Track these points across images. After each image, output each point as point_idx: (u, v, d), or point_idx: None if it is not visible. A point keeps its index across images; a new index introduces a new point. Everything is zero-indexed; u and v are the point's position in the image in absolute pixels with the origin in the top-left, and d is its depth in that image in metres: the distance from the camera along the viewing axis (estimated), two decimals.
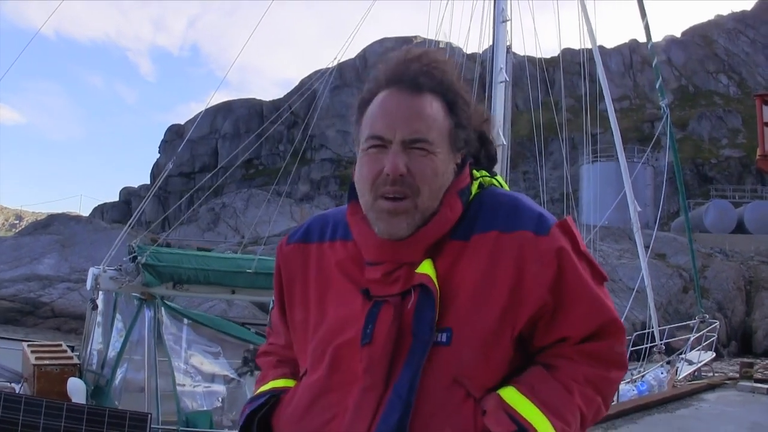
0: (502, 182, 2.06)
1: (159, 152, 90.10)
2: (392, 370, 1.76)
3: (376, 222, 1.86)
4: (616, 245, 39.61)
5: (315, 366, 1.92)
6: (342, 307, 1.91)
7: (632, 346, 18.37)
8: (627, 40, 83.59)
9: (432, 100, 1.85)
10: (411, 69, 1.88)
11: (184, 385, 9.71)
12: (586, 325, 1.81)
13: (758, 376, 17.15)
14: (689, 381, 15.86)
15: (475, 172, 1.99)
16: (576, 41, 17.21)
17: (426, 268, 1.80)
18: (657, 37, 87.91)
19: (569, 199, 18.46)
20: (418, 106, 1.84)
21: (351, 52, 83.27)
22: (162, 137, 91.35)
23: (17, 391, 9.39)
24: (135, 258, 9.41)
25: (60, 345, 11.24)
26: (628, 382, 14.05)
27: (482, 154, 2.07)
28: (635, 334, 19.25)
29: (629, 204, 16.25)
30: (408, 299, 1.79)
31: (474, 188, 1.94)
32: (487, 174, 2.02)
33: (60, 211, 71.81)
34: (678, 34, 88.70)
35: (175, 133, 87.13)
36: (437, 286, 1.77)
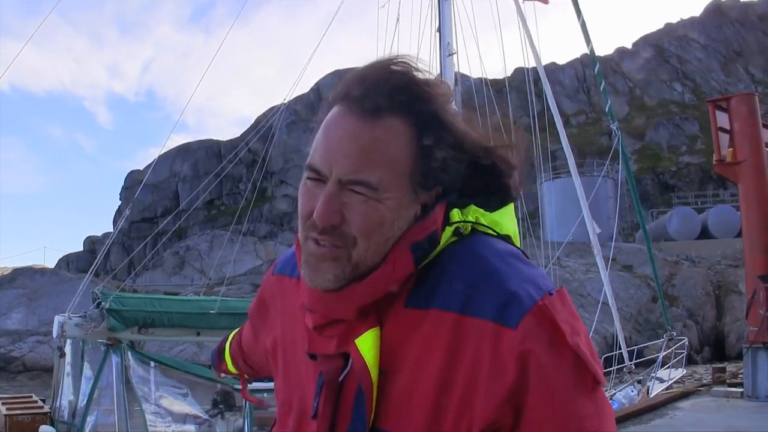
0: (504, 221, 1.57)
1: (120, 199, 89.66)
2: None
3: (303, 264, 1.51)
4: (582, 260, 39.80)
5: (282, 420, 1.71)
6: (302, 362, 1.63)
7: (604, 365, 18.49)
8: (579, 55, 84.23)
9: (393, 126, 1.42)
10: (370, 82, 1.45)
11: (155, 426, 9.73)
12: None
13: (731, 380, 17.36)
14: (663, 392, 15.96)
15: (455, 212, 1.51)
16: (524, 60, 17.38)
17: (366, 342, 1.44)
18: (609, 48, 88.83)
19: (525, 219, 18.63)
20: (367, 133, 1.42)
21: (305, 87, 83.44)
22: (122, 184, 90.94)
23: None
24: (99, 304, 9.43)
25: (30, 396, 11.28)
26: None
27: (485, 186, 1.56)
28: (604, 356, 19.41)
29: (587, 224, 16.43)
30: (352, 375, 1.46)
31: (444, 236, 1.47)
32: (479, 212, 1.53)
33: (25, 265, 71.05)
34: (629, 45, 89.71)
35: (134, 179, 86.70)
36: (373, 377, 1.41)
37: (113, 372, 9.40)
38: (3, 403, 10.12)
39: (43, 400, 11.16)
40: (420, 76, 1.47)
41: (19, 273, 58.56)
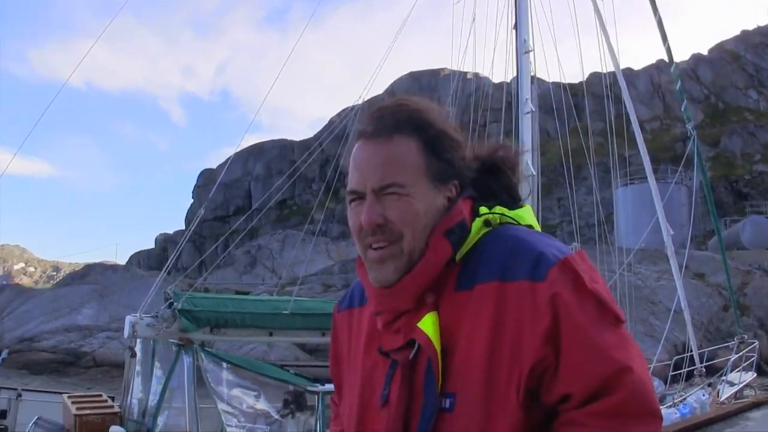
0: (525, 215, 1.93)
1: (192, 197, 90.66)
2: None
3: (369, 272, 1.85)
4: (654, 267, 39.16)
5: (348, 428, 1.95)
6: (367, 367, 1.92)
7: (673, 370, 18.16)
8: (654, 60, 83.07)
9: (401, 140, 1.83)
10: (378, 117, 1.88)
11: (230, 426, 9.70)
12: (588, 379, 1.59)
13: None
14: (732, 402, 15.69)
15: (483, 208, 1.88)
16: (601, 65, 17.14)
17: (427, 324, 1.74)
18: (684, 55, 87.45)
19: (601, 225, 18.34)
20: (384, 151, 1.82)
21: (379, 88, 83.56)
22: (195, 182, 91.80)
23: None
24: (171, 304, 9.42)
25: (100, 395, 11.29)
26: (670, 406, 13.87)
27: (498, 188, 1.97)
28: (675, 357, 18.99)
29: (662, 228, 16.14)
30: (421, 355, 1.75)
31: (476, 226, 1.83)
32: (504, 210, 1.89)
33: (97, 261, 72.42)
34: (705, 52, 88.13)
35: (207, 177, 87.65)
36: (437, 347, 1.71)
37: (185, 372, 9.37)
38: (73, 402, 10.13)
39: (112, 398, 11.18)
40: (421, 105, 1.90)
41: (91, 269, 59.72)
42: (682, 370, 17.96)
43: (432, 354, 1.70)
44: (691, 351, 17.01)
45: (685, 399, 14.78)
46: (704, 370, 16.95)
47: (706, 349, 19.46)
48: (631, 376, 1.59)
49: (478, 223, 1.83)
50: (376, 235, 1.79)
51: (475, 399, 1.64)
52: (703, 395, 15.20)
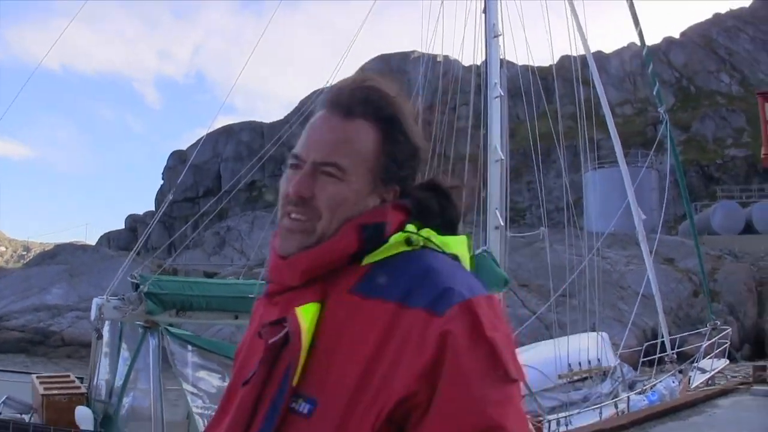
0: (454, 244, 1.79)
1: (162, 179, 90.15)
2: (254, 420, 1.63)
3: (279, 239, 1.78)
4: (624, 251, 39.40)
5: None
6: (252, 348, 1.82)
7: (643, 356, 18.29)
8: (626, 44, 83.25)
9: (362, 126, 1.75)
10: (349, 93, 1.78)
11: (196, 407, 9.72)
12: (453, 427, 1.45)
13: None
14: (702, 389, 15.78)
15: (410, 226, 1.74)
16: (570, 48, 17.20)
17: (306, 312, 1.63)
18: (656, 38, 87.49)
19: (570, 209, 18.43)
20: (340, 129, 1.75)
21: (350, 70, 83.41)
22: (165, 164, 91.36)
23: (27, 422, 9.42)
24: (138, 287, 9.43)
25: (68, 376, 11.30)
26: (639, 392, 14.00)
27: (436, 210, 1.83)
28: (646, 343, 19.10)
29: (633, 212, 16.25)
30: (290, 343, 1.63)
31: (395, 239, 1.70)
32: (432, 234, 1.75)
33: (67, 241, 72.08)
34: (677, 35, 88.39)
35: (177, 158, 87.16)
36: (304, 339, 1.59)
37: (150, 354, 9.41)
38: (41, 383, 10.15)
39: (81, 379, 11.19)
40: (391, 92, 1.80)
41: (61, 249, 59.58)
42: (652, 357, 18.03)
43: (296, 343, 1.59)
44: (662, 337, 17.11)
45: (654, 386, 14.86)
46: (675, 356, 17.03)
47: (677, 336, 19.53)
48: None
49: (399, 237, 1.71)
50: (297, 207, 1.72)
51: (334, 414, 1.52)
52: (673, 382, 15.27)
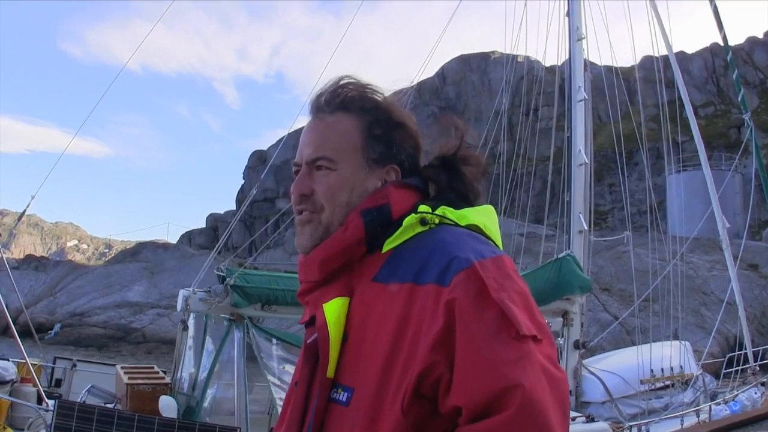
0: (471, 215, 1.84)
1: (243, 178, 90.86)
2: (306, 416, 1.73)
3: (296, 238, 1.90)
4: (707, 257, 38.63)
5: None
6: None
7: (725, 367, 17.95)
8: (708, 44, 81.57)
9: (342, 118, 1.89)
10: (326, 95, 1.92)
11: (280, 399, 9.78)
12: (476, 394, 1.45)
13: None
14: None
15: (424, 206, 1.81)
16: (653, 49, 16.89)
17: (332, 307, 1.71)
18: (739, 38, 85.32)
19: (653, 212, 18.15)
20: (323, 126, 1.89)
21: (430, 71, 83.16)
22: (246, 163, 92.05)
23: (112, 408, 9.58)
24: (224, 279, 9.52)
25: (152, 367, 11.50)
26: (720, 403, 13.72)
27: (450, 185, 1.91)
28: (729, 354, 18.72)
29: (717, 219, 15.92)
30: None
31: (408, 221, 1.77)
32: (447, 210, 1.82)
33: (148, 240, 73.17)
34: (760, 35, 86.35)
35: (258, 158, 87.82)
36: (332, 333, 1.67)
37: (235, 347, 9.49)
38: (125, 373, 10.32)
39: (164, 371, 11.36)
40: (365, 84, 1.93)
41: (142, 247, 60.45)
42: (734, 369, 17.65)
43: (323, 339, 1.68)
44: (745, 348, 16.72)
45: (736, 396, 14.56)
46: (758, 368, 16.65)
47: (761, 348, 19.05)
48: (520, 394, 1.42)
49: (412, 219, 1.78)
50: (302, 204, 1.86)
51: (367, 398, 1.59)
52: (755, 393, 14.95)
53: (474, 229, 1.81)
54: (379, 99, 1.93)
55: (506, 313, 1.50)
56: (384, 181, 1.88)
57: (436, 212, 1.80)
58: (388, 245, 1.78)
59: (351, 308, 1.72)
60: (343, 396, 1.63)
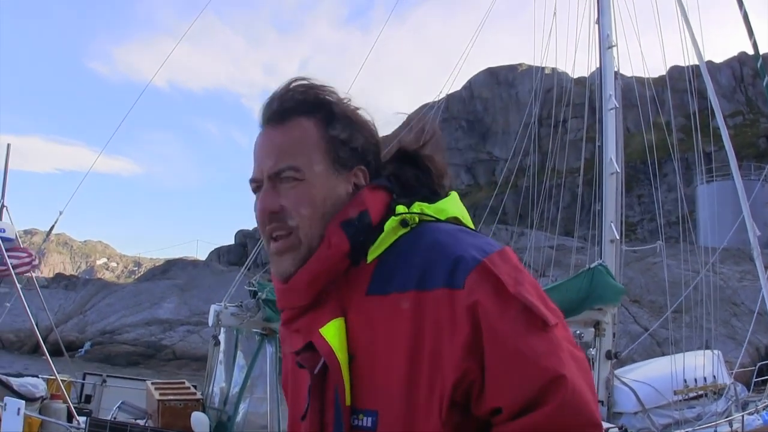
0: (448, 207, 1.77)
1: None
2: None
3: (271, 265, 1.75)
4: (737, 267, 38.30)
5: None
6: (297, 378, 1.81)
7: (756, 376, 17.78)
8: (736, 53, 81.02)
9: (299, 122, 1.73)
10: (276, 102, 1.77)
11: None
12: (516, 391, 1.41)
13: None
14: None
15: (400, 207, 1.70)
16: (683, 58, 16.76)
17: (330, 331, 1.59)
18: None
19: (686, 223, 18.00)
20: (280, 135, 1.73)
21: (458, 84, 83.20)
22: None
23: (144, 426, 9.60)
24: (255, 294, 9.52)
25: (183, 382, 11.51)
26: (752, 412, 13.59)
27: (416, 180, 1.82)
28: (760, 363, 18.54)
29: (748, 228, 15.80)
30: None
31: (389, 226, 1.66)
32: (423, 206, 1.72)
33: (177, 257, 73.44)
34: None
35: None
36: (340, 358, 1.56)
37: (267, 361, 9.49)
38: (156, 389, 10.34)
39: (195, 386, 11.37)
40: (317, 83, 1.78)
41: (172, 264, 60.75)
42: (766, 377, 17.50)
43: (334, 366, 1.56)
44: None
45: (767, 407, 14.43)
46: None
47: None
48: (563, 384, 1.41)
49: (392, 222, 1.66)
50: (273, 223, 1.69)
51: (397, 418, 1.50)
52: None
53: (454, 221, 1.74)
54: (333, 99, 1.79)
55: (529, 306, 1.46)
56: (354, 185, 1.75)
57: (413, 210, 1.69)
58: (373, 254, 1.66)
59: (350, 327, 1.61)
60: (366, 421, 1.54)
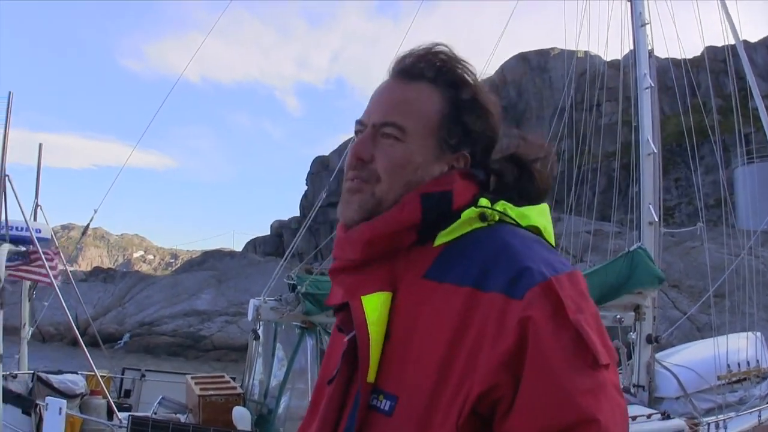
0: (532, 215, 1.67)
1: (306, 184, 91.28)
2: (341, 418, 1.57)
3: (339, 207, 1.71)
4: None
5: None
6: (334, 341, 1.80)
7: None
8: None
9: (425, 88, 1.68)
10: (413, 59, 1.71)
11: None
12: (544, 422, 1.32)
13: None
14: None
15: (484, 200, 1.63)
16: (719, 38, 16.54)
17: (372, 303, 1.54)
18: None
19: (727, 205, 17.81)
20: (401, 91, 1.69)
21: (490, 70, 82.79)
22: (308, 169, 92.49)
23: (186, 422, 9.64)
24: (294, 287, 9.52)
25: (222, 376, 11.54)
26: None
27: (514, 183, 1.74)
28: None
29: None
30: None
31: (466, 215, 1.58)
32: (507, 206, 1.64)
33: (213, 248, 73.86)
34: None
35: (320, 164, 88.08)
36: (373, 333, 1.50)
37: (307, 354, 9.49)
38: (196, 383, 10.37)
39: (233, 378, 11.40)
40: (459, 58, 1.71)
41: (208, 256, 61.15)
42: None
43: (363, 340, 1.50)
44: None
45: None
46: None
47: None
48: (595, 429, 1.31)
49: (471, 212, 1.59)
50: (356, 170, 1.67)
51: (415, 411, 1.43)
52: None
53: (534, 230, 1.65)
54: (470, 79, 1.72)
55: (584, 338, 1.36)
56: (451, 167, 1.69)
57: (496, 207, 1.61)
58: (442, 239, 1.59)
59: (395, 306, 1.54)
60: (385, 404, 1.47)
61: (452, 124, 1.68)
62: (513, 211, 1.63)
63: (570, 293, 1.42)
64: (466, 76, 1.71)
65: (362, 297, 1.54)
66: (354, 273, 1.63)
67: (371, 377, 1.49)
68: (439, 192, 1.62)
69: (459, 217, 1.58)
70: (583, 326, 1.37)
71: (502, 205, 1.62)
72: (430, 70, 1.69)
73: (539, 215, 1.69)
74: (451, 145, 1.68)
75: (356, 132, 1.73)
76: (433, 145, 1.66)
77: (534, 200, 1.73)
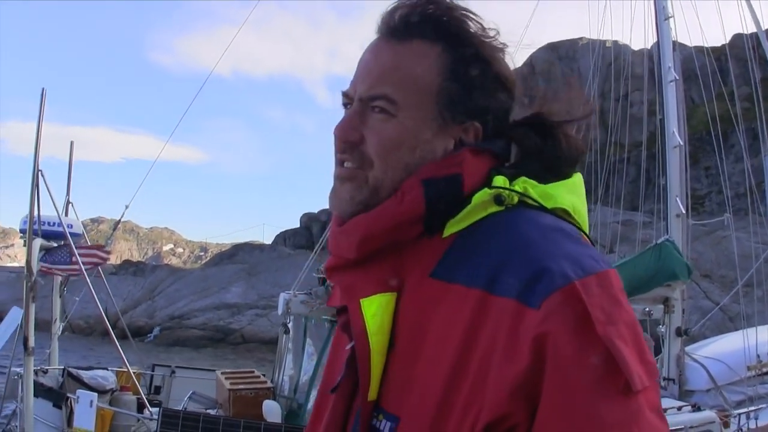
0: (558, 194, 1.36)
1: None
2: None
3: (329, 196, 1.44)
4: None
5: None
6: (336, 344, 1.55)
7: None
8: None
9: (419, 48, 1.36)
10: (402, 12, 1.38)
11: None
12: None
13: None
14: None
15: (500, 178, 1.33)
16: (742, 26, 16.33)
17: (372, 308, 1.30)
18: None
19: (753, 193, 17.66)
20: (391, 55, 1.37)
21: (518, 61, 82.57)
22: None
23: (217, 415, 9.71)
24: (324, 281, 9.55)
25: (252, 371, 11.60)
26: None
27: (539, 151, 1.40)
28: None
29: None
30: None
31: (478, 199, 1.31)
32: (529, 183, 1.33)
33: (243, 241, 74.10)
34: None
35: None
36: (372, 344, 1.28)
37: None
38: (226, 378, 10.44)
39: (263, 374, 11.47)
40: (461, 5, 1.39)
41: (238, 249, 61.37)
42: None
43: (362, 353, 1.29)
44: None
45: None
46: None
47: None
48: None
49: (483, 195, 1.31)
50: (345, 153, 1.39)
51: None
52: None
53: (561, 214, 1.34)
54: (473, 29, 1.39)
55: (615, 357, 1.08)
56: (459, 142, 1.39)
57: (515, 187, 1.32)
58: (451, 228, 1.32)
59: (400, 309, 1.30)
60: (384, 426, 1.26)
61: (455, 86, 1.37)
62: (536, 189, 1.34)
63: (599, 300, 1.14)
64: (468, 24, 1.39)
65: (361, 300, 1.32)
66: (353, 270, 1.38)
67: (372, 395, 1.29)
68: (445, 176, 1.33)
69: (471, 201, 1.32)
70: (614, 342, 1.10)
71: (522, 184, 1.34)
72: (425, 23, 1.37)
73: (569, 192, 1.39)
74: (455, 114, 1.38)
75: (343, 105, 1.45)
76: (434, 117, 1.37)
77: (562, 173, 1.41)
